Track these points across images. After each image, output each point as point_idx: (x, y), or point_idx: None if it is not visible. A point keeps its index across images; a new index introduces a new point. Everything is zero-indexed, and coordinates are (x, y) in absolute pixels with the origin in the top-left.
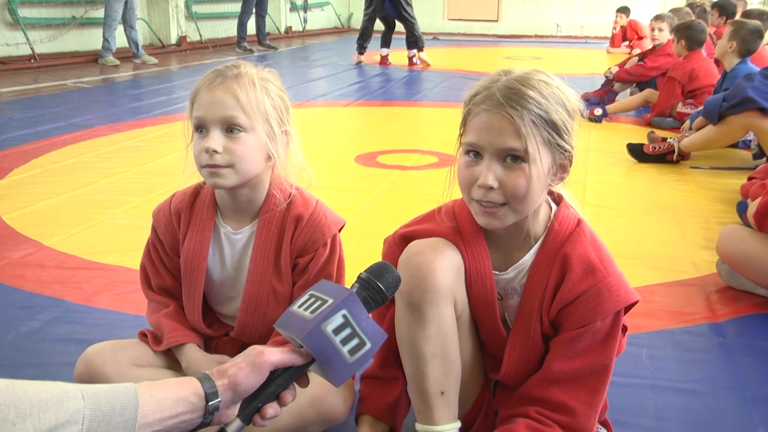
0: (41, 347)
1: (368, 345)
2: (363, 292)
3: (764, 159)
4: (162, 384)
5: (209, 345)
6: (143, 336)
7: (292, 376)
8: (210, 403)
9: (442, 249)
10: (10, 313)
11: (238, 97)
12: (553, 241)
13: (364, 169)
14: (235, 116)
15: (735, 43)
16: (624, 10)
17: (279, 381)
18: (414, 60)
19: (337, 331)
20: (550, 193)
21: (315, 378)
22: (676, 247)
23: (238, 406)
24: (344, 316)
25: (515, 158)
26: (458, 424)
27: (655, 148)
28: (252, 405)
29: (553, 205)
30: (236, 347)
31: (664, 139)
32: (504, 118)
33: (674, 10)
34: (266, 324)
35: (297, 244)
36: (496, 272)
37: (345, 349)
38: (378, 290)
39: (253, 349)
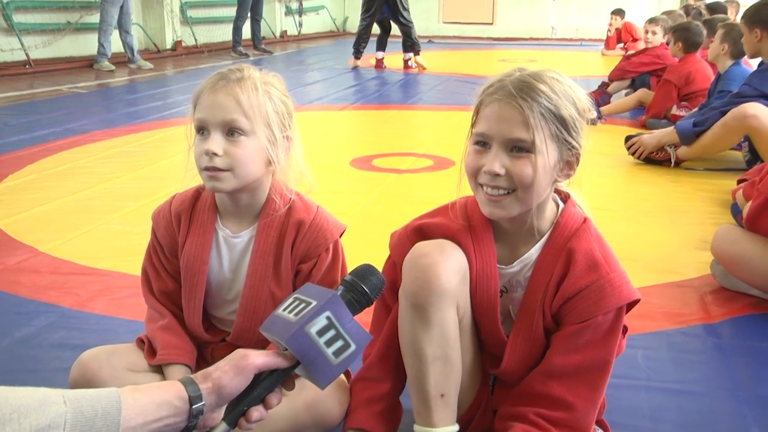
0: (36, 353)
1: (353, 347)
2: (347, 294)
3: (757, 164)
4: (146, 388)
5: (205, 350)
6: (140, 342)
7: (277, 379)
8: (194, 407)
9: (448, 251)
10: (5, 319)
11: (239, 101)
12: (559, 237)
13: (359, 173)
14: (236, 119)
15: (727, 45)
16: (618, 12)
17: (264, 384)
18: (409, 63)
19: (321, 332)
20: (558, 192)
21: (310, 382)
22: (671, 249)
23: (223, 409)
24: (328, 318)
25: (521, 149)
26: (456, 427)
27: (653, 153)
28: (237, 408)
29: (561, 203)
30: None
31: (664, 149)
32: (514, 108)
33: (667, 13)
34: None
35: (299, 250)
36: (502, 266)
37: (329, 351)
38: (362, 292)
39: (238, 353)
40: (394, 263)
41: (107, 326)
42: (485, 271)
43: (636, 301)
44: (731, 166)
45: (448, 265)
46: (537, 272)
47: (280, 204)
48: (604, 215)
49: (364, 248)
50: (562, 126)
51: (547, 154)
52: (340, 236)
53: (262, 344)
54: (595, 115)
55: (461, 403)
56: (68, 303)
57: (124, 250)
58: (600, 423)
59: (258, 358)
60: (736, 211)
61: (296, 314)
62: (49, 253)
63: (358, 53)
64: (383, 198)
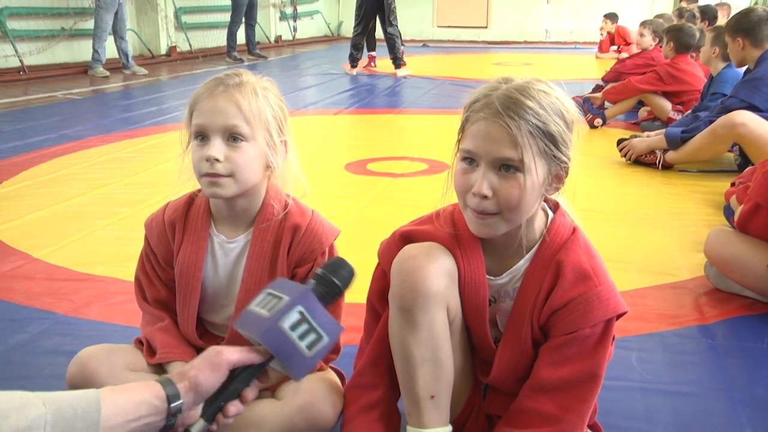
0: (30, 360)
1: (325, 339)
2: (319, 288)
3: (749, 167)
4: (124, 388)
5: None
6: (139, 343)
7: (252, 374)
8: (172, 405)
9: (435, 254)
10: None
11: (240, 106)
12: (548, 248)
13: (354, 177)
14: (237, 125)
15: (717, 48)
16: (611, 16)
17: (240, 379)
18: (372, 64)
19: (294, 327)
20: (547, 201)
21: (304, 385)
22: (665, 251)
23: (201, 407)
24: (300, 313)
25: (510, 167)
26: (449, 429)
27: (642, 156)
28: (214, 404)
29: (550, 213)
30: None
31: (653, 152)
32: (501, 128)
33: (660, 16)
34: None
35: (295, 254)
36: (491, 277)
37: (303, 345)
38: (333, 284)
39: (212, 350)
40: (383, 271)
41: (102, 332)
42: (473, 278)
43: (623, 313)
44: (724, 167)
45: (434, 268)
46: (526, 284)
47: (278, 209)
48: (597, 217)
49: (358, 252)
50: (550, 142)
51: (535, 171)
52: (334, 240)
53: None
54: (601, 122)
55: (453, 406)
56: (63, 309)
57: (119, 256)
58: (593, 426)
59: (232, 355)
60: (729, 213)
61: (269, 309)
62: (44, 260)
63: (354, 61)
64: (378, 202)
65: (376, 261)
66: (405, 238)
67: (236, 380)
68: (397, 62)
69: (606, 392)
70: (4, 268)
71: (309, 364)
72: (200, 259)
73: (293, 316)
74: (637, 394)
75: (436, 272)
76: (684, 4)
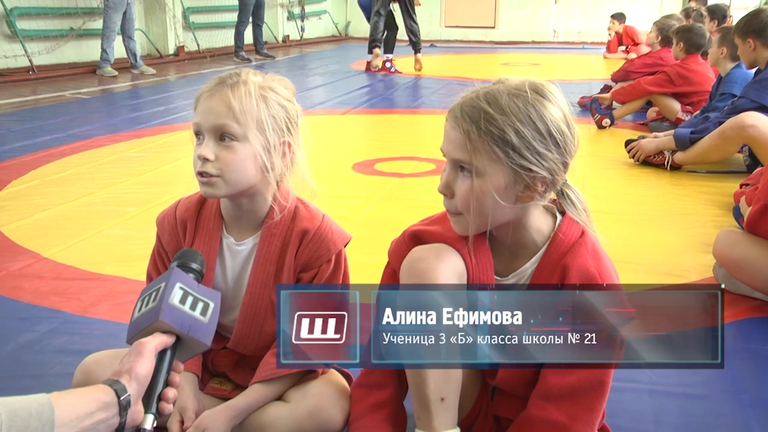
0: (39, 358)
1: (212, 304)
2: (183, 268)
3: (758, 168)
4: (73, 391)
5: (206, 358)
6: None
7: (171, 356)
8: (122, 398)
9: (444, 255)
10: (8, 325)
11: (231, 106)
12: (555, 251)
13: (362, 177)
14: (226, 125)
15: (725, 48)
16: (618, 17)
17: (165, 362)
18: (387, 66)
19: (183, 301)
20: (556, 203)
21: (312, 389)
22: (674, 252)
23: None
24: (181, 288)
25: (464, 169)
26: (457, 431)
27: (650, 156)
28: (153, 394)
29: (559, 216)
30: (233, 359)
31: (661, 153)
32: (456, 131)
33: (667, 17)
34: (263, 336)
35: (301, 259)
36: (498, 277)
37: (197, 313)
38: (192, 270)
39: (134, 344)
40: (393, 270)
41: (110, 331)
42: (481, 279)
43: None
44: (733, 168)
45: (444, 269)
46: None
47: (278, 212)
48: (605, 218)
49: (366, 252)
50: (510, 149)
51: (490, 177)
52: (345, 246)
53: (261, 350)
54: (609, 123)
55: (462, 407)
56: (71, 308)
57: (127, 255)
58: (602, 429)
59: (151, 342)
60: (738, 214)
61: (154, 300)
62: (52, 259)
63: (373, 48)
64: (385, 202)
65: (384, 261)
66: (415, 237)
67: (161, 364)
68: (419, 46)
69: (614, 394)
70: (13, 267)
71: (210, 328)
72: (212, 260)
73: (177, 293)
74: (646, 395)
75: (446, 274)
76: (693, 4)
